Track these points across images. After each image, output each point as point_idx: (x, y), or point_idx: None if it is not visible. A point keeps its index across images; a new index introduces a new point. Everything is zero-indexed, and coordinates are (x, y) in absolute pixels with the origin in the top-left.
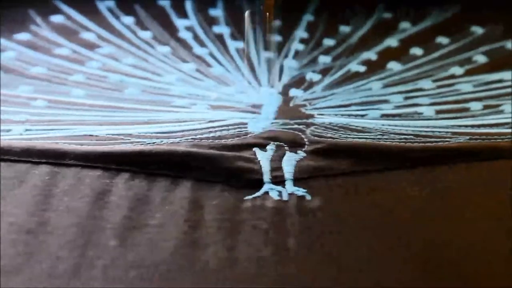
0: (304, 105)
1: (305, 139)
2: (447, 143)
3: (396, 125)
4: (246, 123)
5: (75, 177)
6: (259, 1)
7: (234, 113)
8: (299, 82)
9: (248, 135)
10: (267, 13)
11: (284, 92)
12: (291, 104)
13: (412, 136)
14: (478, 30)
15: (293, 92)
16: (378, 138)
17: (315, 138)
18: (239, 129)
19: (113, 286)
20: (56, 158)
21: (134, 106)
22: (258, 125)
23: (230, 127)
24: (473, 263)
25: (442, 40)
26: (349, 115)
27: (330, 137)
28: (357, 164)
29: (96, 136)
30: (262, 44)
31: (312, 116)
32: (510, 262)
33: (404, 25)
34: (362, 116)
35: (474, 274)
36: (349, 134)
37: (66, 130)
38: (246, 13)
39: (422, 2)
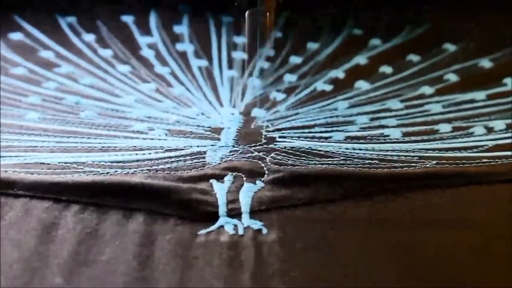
0: (267, 126)
1: (265, 168)
2: (412, 168)
3: (360, 149)
4: (204, 152)
5: (23, 209)
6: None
7: (193, 140)
8: (262, 101)
9: (206, 166)
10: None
11: (246, 112)
12: (252, 126)
13: (376, 161)
14: (450, 47)
15: (255, 112)
16: (341, 164)
17: (275, 166)
18: (197, 160)
19: None
20: (4, 187)
21: (90, 131)
22: (216, 154)
23: (187, 157)
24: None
25: (413, 57)
26: (312, 137)
27: (291, 164)
28: (316, 193)
29: (47, 164)
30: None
31: (273, 140)
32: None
33: (374, 42)
34: (326, 138)
35: None
36: (311, 160)
37: (17, 157)
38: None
39: (394, 19)
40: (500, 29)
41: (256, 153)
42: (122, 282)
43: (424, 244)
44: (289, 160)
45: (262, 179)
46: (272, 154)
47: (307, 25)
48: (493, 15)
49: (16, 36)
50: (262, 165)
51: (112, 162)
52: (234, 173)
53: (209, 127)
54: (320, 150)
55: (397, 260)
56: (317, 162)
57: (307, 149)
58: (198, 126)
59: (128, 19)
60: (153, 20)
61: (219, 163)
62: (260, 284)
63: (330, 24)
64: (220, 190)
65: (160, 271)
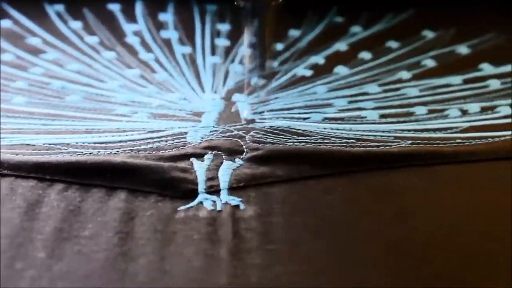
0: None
1: (244, 146)
2: (388, 147)
3: (338, 129)
4: (185, 133)
5: (8, 187)
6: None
7: (174, 122)
8: (243, 87)
9: (186, 146)
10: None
11: (227, 97)
12: (233, 110)
13: (353, 140)
14: (429, 34)
15: (236, 97)
16: (319, 142)
17: (254, 144)
18: (178, 140)
19: None
20: None
21: (74, 114)
22: (197, 134)
23: (168, 137)
24: (424, 262)
25: (392, 44)
26: (291, 118)
27: (270, 142)
28: (294, 170)
29: (33, 145)
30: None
31: (253, 121)
32: (456, 261)
33: (355, 29)
34: (305, 119)
35: (428, 275)
36: (289, 138)
37: (3, 139)
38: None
39: (375, 6)
40: (478, 16)
41: (236, 132)
42: (104, 256)
43: (399, 217)
44: (267, 138)
45: (241, 157)
46: (252, 133)
47: (290, 13)
48: (473, 2)
49: (4, 23)
50: (242, 143)
51: (95, 143)
52: (214, 152)
53: (191, 111)
54: (298, 129)
55: (372, 233)
56: (295, 141)
57: (286, 127)
58: (180, 110)
59: (114, 7)
60: (138, 8)
61: (200, 143)
62: (238, 258)
63: (312, 12)
64: (200, 168)
65: (140, 246)
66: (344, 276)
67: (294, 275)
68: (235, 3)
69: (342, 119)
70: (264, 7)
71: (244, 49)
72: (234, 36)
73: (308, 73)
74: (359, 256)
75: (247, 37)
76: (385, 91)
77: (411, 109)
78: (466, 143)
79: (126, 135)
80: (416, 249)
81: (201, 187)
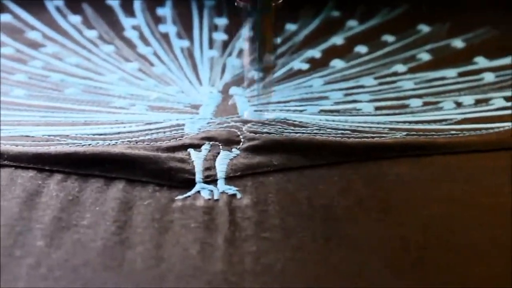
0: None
1: (241, 136)
2: (383, 138)
3: (333, 120)
4: (183, 125)
5: (8, 178)
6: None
7: (172, 114)
8: (240, 80)
9: (184, 137)
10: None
11: (224, 90)
12: (230, 103)
13: (348, 131)
14: (424, 28)
15: (233, 90)
16: (315, 133)
17: (251, 134)
18: (176, 131)
19: (37, 285)
20: None
21: (73, 107)
22: (194, 125)
23: (166, 129)
24: (418, 251)
25: (388, 38)
26: (288, 111)
27: (266, 133)
28: (290, 160)
29: (32, 137)
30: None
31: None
32: (450, 249)
33: (351, 23)
34: (301, 111)
35: (423, 263)
36: (285, 129)
37: (3, 130)
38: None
39: (371, 1)
40: (473, 10)
41: (233, 123)
42: (102, 245)
43: (393, 206)
44: (264, 129)
45: (238, 147)
46: (248, 124)
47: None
48: None
49: (4, 17)
50: (238, 133)
51: (94, 135)
52: (211, 142)
53: (189, 103)
54: (294, 121)
55: (367, 222)
56: (291, 131)
57: (282, 119)
58: (178, 102)
59: (113, 2)
60: (137, 2)
61: (197, 133)
62: (234, 246)
63: (309, 6)
64: (197, 158)
65: (137, 234)
66: (339, 263)
67: (289, 262)
68: (235, 3)
69: (338, 111)
70: (265, 8)
71: (244, 49)
72: (232, 30)
73: (305, 66)
74: (353, 245)
75: (247, 38)
76: (381, 84)
77: (406, 102)
78: (460, 135)
79: (124, 127)
80: (410, 238)
81: (199, 176)
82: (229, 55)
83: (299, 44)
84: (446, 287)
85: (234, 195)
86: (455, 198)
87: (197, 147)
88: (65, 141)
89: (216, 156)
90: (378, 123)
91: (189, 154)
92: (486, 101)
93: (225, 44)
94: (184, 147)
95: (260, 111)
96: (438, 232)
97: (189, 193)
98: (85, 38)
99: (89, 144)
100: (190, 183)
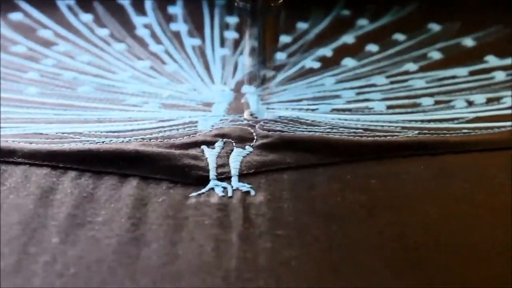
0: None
1: (254, 134)
2: (395, 137)
3: (346, 119)
4: (196, 122)
5: (22, 175)
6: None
7: (185, 112)
8: (252, 79)
9: (197, 134)
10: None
11: (237, 89)
12: (242, 101)
13: (361, 130)
14: (435, 27)
15: (245, 88)
16: (327, 132)
17: (264, 132)
18: (189, 128)
19: (53, 282)
20: (4, 156)
21: (86, 104)
22: (207, 123)
23: (179, 126)
24: (434, 250)
25: (399, 37)
26: (300, 109)
27: (279, 131)
28: (303, 157)
29: (45, 134)
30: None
31: (256, 120)
32: (464, 247)
33: (362, 22)
34: (313, 110)
35: (436, 264)
36: (298, 127)
37: (16, 128)
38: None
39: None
40: (483, 9)
41: (245, 121)
42: (116, 241)
43: (406, 205)
44: (277, 127)
45: (251, 144)
46: (261, 122)
47: (298, 6)
48: None
49: (16, 16)
50: (252, 131)
51: (107, 132)
52: (224, 139)
53: (201, 101)
54: (307, 119)
55: (380, 220)
56: (304, 130)
57: (295, 118)
58: (190, 100)
59: (124, 1)
60: (148, 1)
61: (210, 131)
62: (248, 243)
63: (320, 5)
64: (210, 155)
65: (152, 231)
66: (351, 261)
67: (303, 259)
68: (235, 4)
69: (350, 110)
70: (264, 8)
71: (245, 51)
72: (243, 29)
73: (316, 65)
74: (366, 243)
75: (247, 39)
76: (392, 82)
77: (417, 100)
78: (472, 133)
79: (138, 124)
80: (422, 237)
81: (212, 173)
82: (241, 53)
83: (310, 42)
84: (446, 287)
85: (248, 192)
86: (467, 196)
87: (210, 144)
88: (78, 138)
89: (230, 153)
90: (390, 122)
91: (202, 151)
92: (497, 99)
93: (237, 43)
94: (197, 144)
95: (273, 109)
96: (450, 230)
97: (203, 190)
98: (96, 36)
99: (102, 142)
100: (204, 180)
